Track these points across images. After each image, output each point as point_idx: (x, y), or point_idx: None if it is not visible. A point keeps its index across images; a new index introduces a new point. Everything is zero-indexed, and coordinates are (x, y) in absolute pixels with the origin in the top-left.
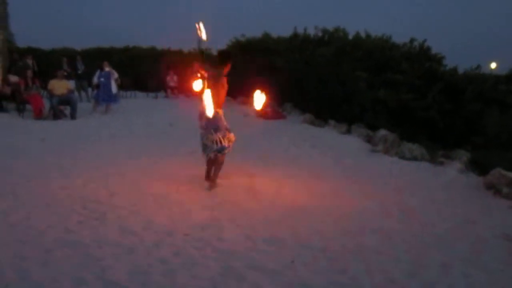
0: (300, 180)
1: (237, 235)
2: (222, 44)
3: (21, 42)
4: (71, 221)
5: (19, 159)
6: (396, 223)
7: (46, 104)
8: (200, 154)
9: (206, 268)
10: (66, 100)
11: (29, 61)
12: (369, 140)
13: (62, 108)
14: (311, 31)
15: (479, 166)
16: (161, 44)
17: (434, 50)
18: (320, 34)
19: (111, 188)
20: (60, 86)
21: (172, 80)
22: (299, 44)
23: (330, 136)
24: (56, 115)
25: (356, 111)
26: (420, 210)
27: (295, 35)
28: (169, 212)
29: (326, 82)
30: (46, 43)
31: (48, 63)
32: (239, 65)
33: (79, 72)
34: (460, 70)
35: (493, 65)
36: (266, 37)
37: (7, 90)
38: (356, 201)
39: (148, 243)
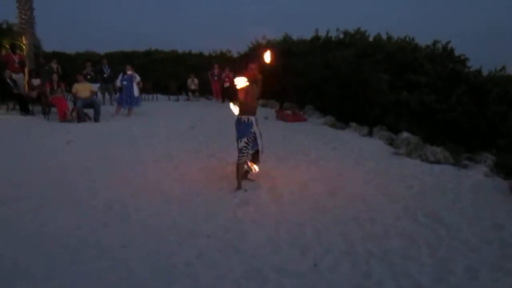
0: (322, 183)
1: (260, 237)
2: (243, 46)
3: (47, 46)
4: (96, 222)
5: (45, 161)
6: (420, 227)
7: (71, 107)
8: (221, 157)
9: (229, 269)
10: (90, 103)
11: (54, 65)
12: (391, 142)
13: (85, 111)
14: (333, 33)
15: (505, 169)
16: (182, 47)
17: (457, 52)
18: (341, 36)
19: (135, 189)
20: (84, 89)
21: (193, 83)
22: (320, 46)
23: (352, 138)
24: (80, 117)
25: (378, 114)
26: (445, 214)
27: (316, 37)
28: (192, 214)
29: (347, 84)
30: (71, 47)
31: (72, 67)
32: (260, 67)
33: (105, 75)
34: (485, 71)
35: None
36: (287, 39)
37: (33, 94)
38: (379, 204)
39: (171, 245)
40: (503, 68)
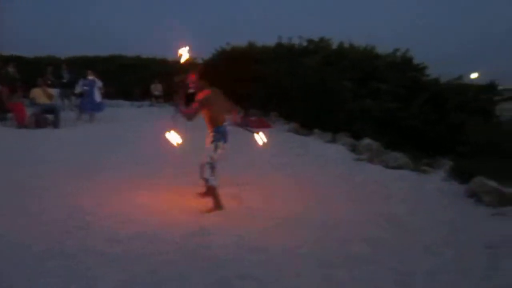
0: (286, 189)
1: (226, 244)
2: (207, 52)
3: (4, 49)
4: (57, 232)
5: (2, 169)
6: (383, 232)
7: (28, 112)
8: (187, 163)
9: (195, 277)
10: (49, 109)
11: (11, 70)
12: (353, 148)
13: (45, 117)
14: (296, 41)
15: (461, 175)
16: (146, 53)
17: (416, 60)
18: (305, 43)
19: (98, 197)
20: (43, 94)
21: (156, 89)
22: (284, 54)
23: (316, 144)
24: (39, 123)
25: (342, 120)
26: (406, 219)
27: (279, 45)
28: (157, 221)
29: (311, 91)
30: (29, 51)
31: (31, 71)
32: (224, 74)
33: (64, 80)
34: (442, 80)
35: (474, 75)
36: (251, 46)
37: None
38: (342, 210)
39: (136, 253)
40: (460, 76)
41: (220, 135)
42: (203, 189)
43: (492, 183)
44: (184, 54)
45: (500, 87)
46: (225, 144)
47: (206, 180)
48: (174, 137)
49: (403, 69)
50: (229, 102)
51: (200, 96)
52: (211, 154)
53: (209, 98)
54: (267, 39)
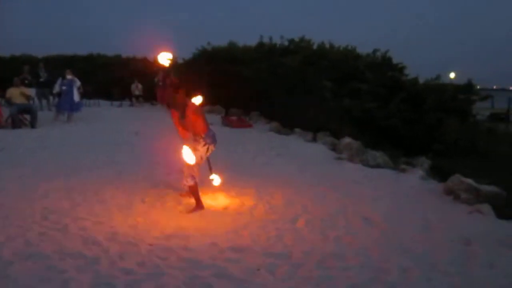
0: (266, 188)
1: (203, 244)
2: (188, 52)
3: None
4: (31, 233)
5: None
6: (360, 230)
7: (5, 113)
8: (165, 164)
9: (172, 278)
10: (26, 109)
11: None
12: (334, 147)
13: (22, 117)
14: (277, 41)
15: (439, 173)
16: (126, 52)
17: (395, 60)
18: (286, 43)
19: (74, 198)
20: (19, 94)
21: (137, 88)
22: (265, 53)
23: (296, 144)
24: (15, 123)
25: (322, 120)
26: (383, 216)
27: (261, 44)
28: (134, 222)
29: (292, 91)
30: (5, 50)
31: (7, 70)
32: (205, 74)
33: (42, 79)
34: (421, 80)
35: (452, 75)
36: (232, 46)
37: None
38: (321, 209)
39: (112, 254)
40: (438, 76)
41: (210, 138)
42: (185, 190)
43: (469, 181)
44: (164, 58)
45: (478, 87)
46: (213, 146)
47: (192, 178)
48: (189, 155)
49: (383, 69)
50: None
51: (191, 107)
52: (202, 156)
53: (199, 106)
54: (251, 38)
